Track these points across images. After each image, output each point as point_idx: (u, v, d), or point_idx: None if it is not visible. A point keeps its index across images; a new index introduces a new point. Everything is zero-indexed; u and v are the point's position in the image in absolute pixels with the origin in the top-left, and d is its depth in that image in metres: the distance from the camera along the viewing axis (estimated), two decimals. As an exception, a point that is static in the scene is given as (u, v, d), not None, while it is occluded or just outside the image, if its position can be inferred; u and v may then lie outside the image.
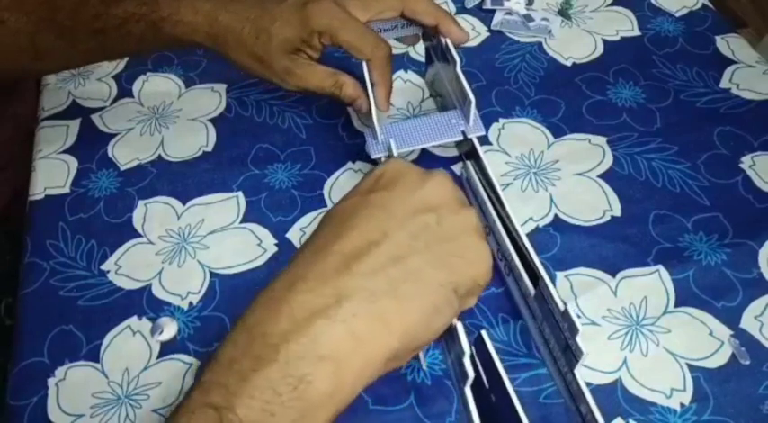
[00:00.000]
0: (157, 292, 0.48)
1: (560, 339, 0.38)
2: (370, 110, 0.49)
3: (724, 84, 0.59)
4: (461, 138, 0.49)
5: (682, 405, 0.41)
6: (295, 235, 0.50)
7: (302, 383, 0.28)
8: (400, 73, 0.61)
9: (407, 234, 0.32)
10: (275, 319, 0.30)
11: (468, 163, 0.50)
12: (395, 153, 0.47)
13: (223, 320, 0.46)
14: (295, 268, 0.32)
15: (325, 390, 0.29)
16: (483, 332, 0.36)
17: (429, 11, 0.50)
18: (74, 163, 0.56)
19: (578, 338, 0.35)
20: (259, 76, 0.51)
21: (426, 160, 0.55)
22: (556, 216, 0.51)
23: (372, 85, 0.49)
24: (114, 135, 0.58)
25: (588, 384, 0.42)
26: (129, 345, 0.45)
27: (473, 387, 0.36)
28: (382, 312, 0.31)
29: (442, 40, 0.50)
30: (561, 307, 0.36)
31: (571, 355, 0.37)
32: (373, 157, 0.49)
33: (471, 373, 0.34)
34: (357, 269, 0.31)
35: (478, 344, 0.37)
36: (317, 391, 0.29)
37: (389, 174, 0.36)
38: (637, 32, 0.64)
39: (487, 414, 0.36)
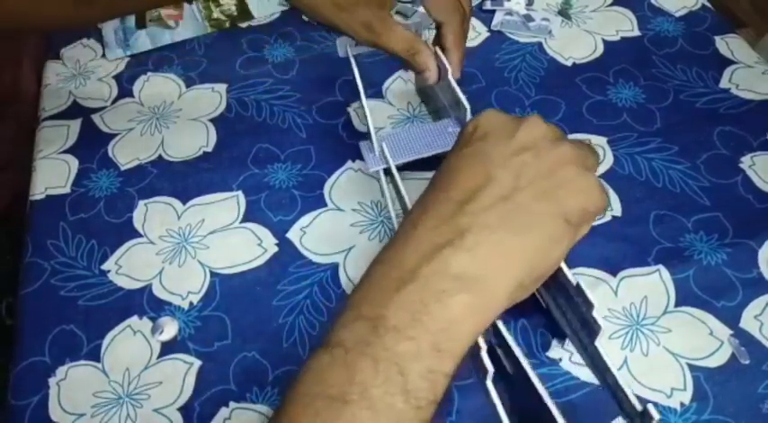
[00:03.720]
0: (158, 291, 0.48)
1: (578, 313, 0.38)
2: (437, 81, 0.49)
3: (724, 84, 0.59)
4: None
5: (682, 404, 0.41)
6: (295, 235, 0.50)
7: (443, 296, 0.31)
8: (400, 73, 0.61)
9: (509, 174, 0.34)
10: (403, 252, 0.33)
11: None
12: (392, 165, 0.47)
13: (223, 320, 0.46)
14: (412, 215, 0.35)
15: (464, 303, 0.32)
16: (498, 322, 0.38)
17: (455, 39, 0.51)
18: (74, 163, 0.56)
19: (594, 313, 0.35)
20: (328, 22, 0.48)
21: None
22: (556, 216, 0.51)
23: (445, 50, 0.49)
24: (115, 135, 0.58)
25: (589, 384, 0.42)
26: (129, 344, 0.45)
27: (500, 376, 0.38)
28: (501, 243, 0.33)
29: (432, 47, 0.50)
30: (573, 282, 0.36)
31: (589, 329, 0.37)
32: (371, 170, 0.49)
33: (491, 368, 0.35)
34: (470, 209, 0.33)
35: (498, 335, 0.39)
36: (458, 304, 0.32)
37: (483, 126, 0.37)
38: (637, 32, 0.64)
39: (517, 401, 0.38)
